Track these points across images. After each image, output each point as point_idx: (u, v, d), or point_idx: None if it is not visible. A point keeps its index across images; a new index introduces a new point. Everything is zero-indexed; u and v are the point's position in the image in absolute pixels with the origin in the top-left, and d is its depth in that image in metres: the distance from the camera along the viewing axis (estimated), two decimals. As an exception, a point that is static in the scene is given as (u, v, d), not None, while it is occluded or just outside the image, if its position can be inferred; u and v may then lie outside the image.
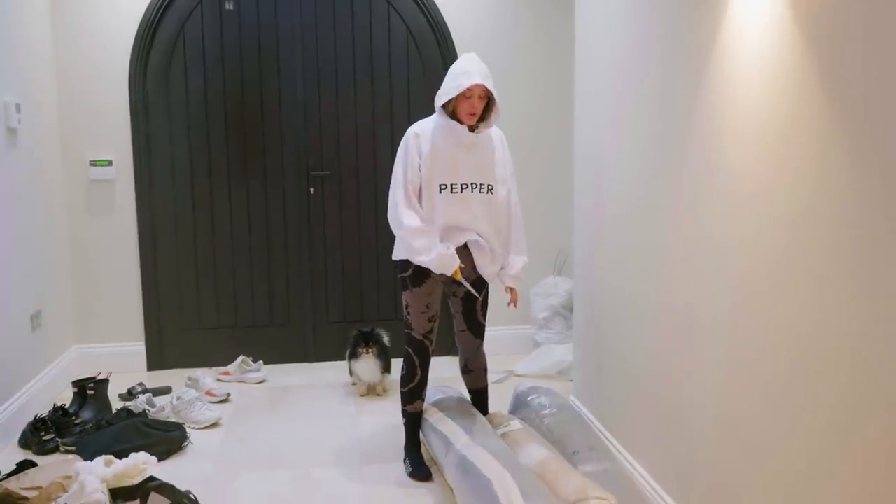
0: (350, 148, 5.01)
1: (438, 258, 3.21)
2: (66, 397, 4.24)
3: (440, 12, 4.94)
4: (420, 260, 3.24)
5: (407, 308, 3.42)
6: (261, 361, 4.81)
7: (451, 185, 3.24)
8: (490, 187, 3.30)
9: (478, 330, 3.55)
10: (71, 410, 3.97)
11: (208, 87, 4.87)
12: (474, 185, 3.26)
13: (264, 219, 5.01)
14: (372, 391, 4.46)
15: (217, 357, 4.92)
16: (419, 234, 3.23)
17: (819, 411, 1.91)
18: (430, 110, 4.88)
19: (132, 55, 4.74)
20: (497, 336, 5.00)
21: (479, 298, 3.47)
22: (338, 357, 4.96)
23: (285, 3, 4.87)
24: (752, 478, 2.24)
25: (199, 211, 4.95)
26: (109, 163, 4.79)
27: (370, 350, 4.37)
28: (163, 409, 4.03)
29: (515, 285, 3.50)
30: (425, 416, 3.55)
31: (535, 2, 5.03)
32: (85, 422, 3.87)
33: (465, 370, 3.64)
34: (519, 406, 3.71)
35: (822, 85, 1.86)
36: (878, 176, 1.67)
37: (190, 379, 4.44)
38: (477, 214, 3.29)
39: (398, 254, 3.39)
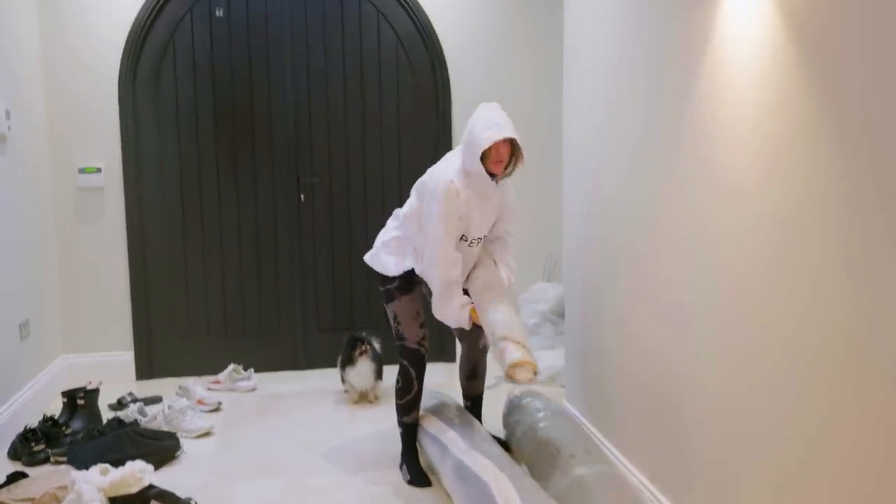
0: (340, 155, 5.01)
1: (461, 310, 3.22)
2: (55, 407, 4.20)
3: (427, 17, 4.95)
4: (440, 313, 3.24)
5: (396, 319, 3.40)
6: (251, 370, 4.78)
7: (470, 239, 3.25)
8: (483, 238, 3.32)
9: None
10: (61, 421, 3.93)
11: (198, 93, 4.85)
12: (481, 240, 3.30)
13: (255, 226, 4.99)
14: (364, 398, 4.45)
15: (207, 365, 4.89)
16: (455, 287, 3.21)
17: (812, 408, 1.93)
18: (419, 117, 4.94)
19: (122, 61, 4.72)
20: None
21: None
22: (329, 364, 4.94)
23: (275, 11, 4.87)
24: (747, 477, 2.25)
25: (188, 218, 4.93)
26: (98, 170, 4.76)
27: (365, 351, 4.35)
28: (154, 418, 4.00)
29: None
30: (421, 422, 3.55)
31: (524, 4, 5.05)
32: (75, 432, 3.83)
33: (472, 375, 3.65)
34: (513, 410, 3.69)
35: (811, 86, 1.88)
36: (869, 175, 1.70)
37: (181, 388, 4.41)
38: (469, 264, 3.32)
39: (387, 269, 3.35)
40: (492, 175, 3.16)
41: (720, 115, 2.33)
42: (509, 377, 3.04)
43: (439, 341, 5.03)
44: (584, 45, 3.63)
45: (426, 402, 3.70)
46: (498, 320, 3.12)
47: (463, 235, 3.21)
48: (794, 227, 1.98)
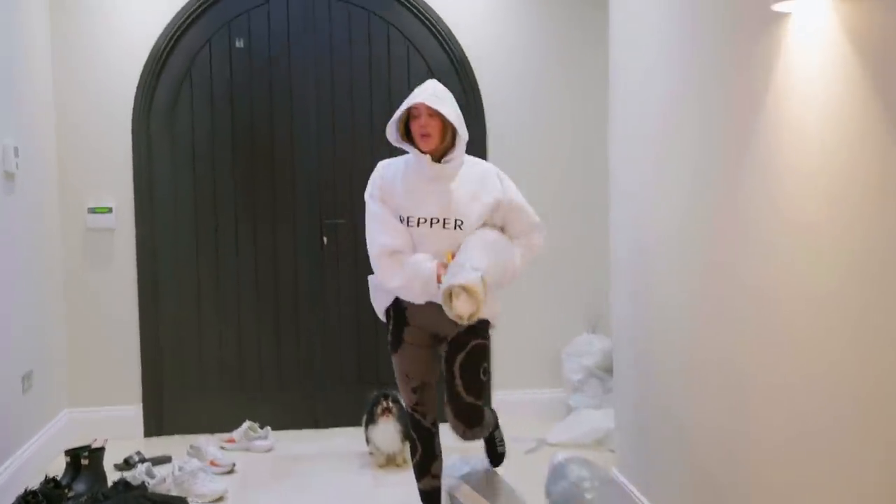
0: (367, 195, 4.77)
1: (413, 269, 2.94)
2: (58, 467, 3.95)
3: (462, 48, 4.74)
4: (394, 286, 3.01)
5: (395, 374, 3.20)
6: (268, 427, 4.51)
7: (408, 218, 3.02)
8: (458, 223, 2.99)
9: (472, 389, 3.06)
10: (63, 482, 3.69)
11: (216, 127, 4.68)
12: (435, 220, 2.99)
13: (273, 271, 4.76)
14: (391, 461, 4.13)
15: (221, 422, 4.61)
16: (397, 255, 3.00)
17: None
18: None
19: (136, 94, 4.58)
20: (525, 400, 4.78)
21: (469, 346, 3.04)
22: (352, 423, 4.61)
23: (298, 41, 4.70)
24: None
25: (203, 263, 4.71)
26: (109, 210, 4.58)
27: (389, 410, 4.06)
28: (163, 480, 3.78)
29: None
30: (453, 492, 3.28)
31: (564, 35, 4.85)
32: (79, 495, 3.60)
33: (465, 435, 3.17)
34: (556, 479, 3.40)
35: (884, 121, 1.75)
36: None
37: (192, 447, 4.15)
38: (441, 250, 2.99)
39: (377, 304, 3.21)
40: (430, 155, 3.02)
41: (787, 150, 2.16)
42: (445, 302, 2.80)
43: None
44: (631, 79, 3.43)
45: (459, 468, 3.48)
46: (466, 249, 2.95)
47: (403, 216, 3.01)
48: (884, 287, 1.75)
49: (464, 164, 3.10)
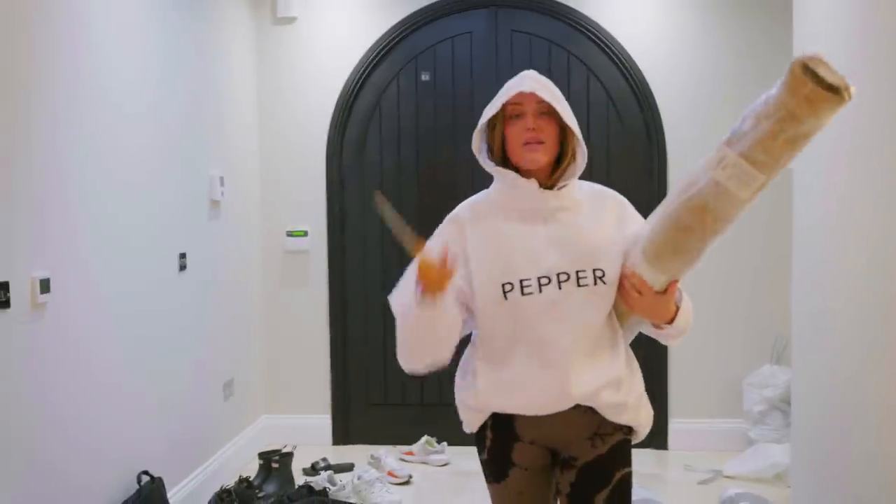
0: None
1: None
2: (252, 468, 4.23)
3: (643, 75, 4.65)
4: (405, 325, 2.15)
5: None
6: (445, 443, 4.60)
7: (508, 284, 1.95)
8: (599, 274, 1.95)
9: None
10: (255, 483, 3.95)
11: (402, 160, 4.85)
12: (563, 277, 1.94)
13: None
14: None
15: (401, 435, 4.76)
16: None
17: None
18: (631, 180, 4.60)
19: (330, 129, 4.82)
20: (703, 430, 4.62)
21: (614, 479, 2.02)
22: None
23: (481, 73, 4.79)
24: None
25: (389, 286, 4.84)
26: (304, 234, 4.86)
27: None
28: (343, 487, 3.96)
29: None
30: None
31: (745, 52, 4.59)
32: (268, 496, 3.85)
33: None
34: None
35: None
36: None
37: (372, 457, 4.34)
38: (576, 322, 1.95)
39: (465, 413, 2.15)
40: (547, 186, 2.01)
41: None
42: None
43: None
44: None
45: None
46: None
47: (511, 282, 1.94)
48: None
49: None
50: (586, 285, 1.94)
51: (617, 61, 4.68)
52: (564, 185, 2.03)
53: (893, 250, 2.50)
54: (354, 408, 4.93)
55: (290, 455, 4.12)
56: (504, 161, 2.04)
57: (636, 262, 1.92)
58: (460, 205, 2.15)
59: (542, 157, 1.98)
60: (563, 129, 1.99)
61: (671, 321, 1.96)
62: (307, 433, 4.81)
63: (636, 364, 2.09)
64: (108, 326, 3.16)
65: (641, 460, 4.10)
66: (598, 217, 2.03)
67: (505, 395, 2.02)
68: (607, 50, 4.68)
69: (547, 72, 4.71)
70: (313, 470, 4.33)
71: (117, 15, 3.29)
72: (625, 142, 4.68)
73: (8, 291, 2.52)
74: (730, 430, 4.58)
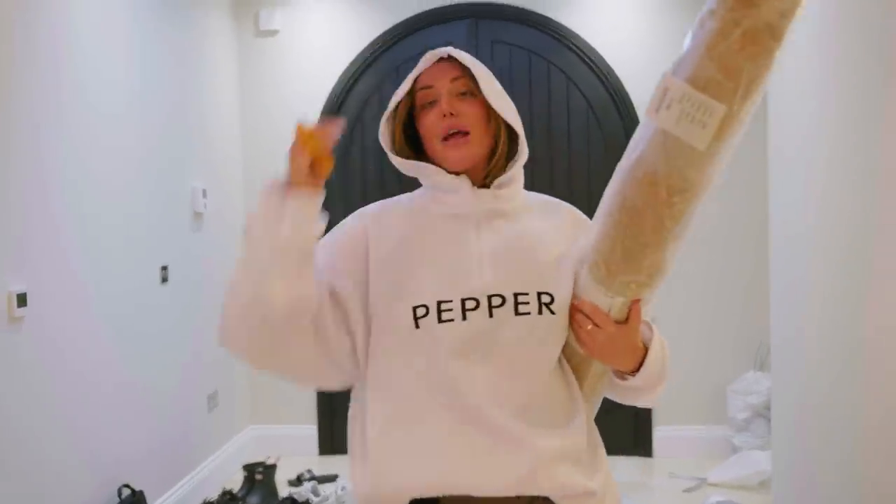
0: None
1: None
2: (237, 480, 4.22)
3: (622, 83, 4.68)
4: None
5: None
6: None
7: (441, 304, 1.44)
8: (544, 300, 1.46)
9: None
10: (239, 495, 3.95)
11: (385, 170, 4.84)
12: (497, 301, 1.44)
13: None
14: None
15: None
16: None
17: None
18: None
19: (313, 141, 4.82)
20: (687, 436, 4.61)
21: None
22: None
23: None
24: None
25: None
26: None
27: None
28: (326, 499, 3.97)
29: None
30: None
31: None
32: None
33: None
34: None
35: None
36: None
37: (357, 468, 4.30)
38: (513, 364, 1.44)
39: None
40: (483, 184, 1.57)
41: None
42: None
43: (634, 429, 4.61)
44: (795, 101, 3.23)
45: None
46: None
47: (425, 304, 1.43)
48: None
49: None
50: (527, 313, 1.43)
51: (596, 70, 4.70)
52: (505, 185, 1.54)
53: (869, 258, 2.51)
54: (340, 416, 4.88)
55: (273, 467, 4.09)
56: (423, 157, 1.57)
57: (585, 284, 1.47)
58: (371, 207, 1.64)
59: (469, 152, 1.51)
60: (495, 116, 1.53)
61: (639, 367, 1.50)
62: (295, 443, 4.81)
63: (598, 436, 1.57)
64: (88, 339, 3.16)
65: (626, 468, 4.13)
66: (547, 228, 1.55)
67: (420, 466, 1.40)
68: (586, 59, 4.70)
69: (527, 81, 4.79)
70: (298, 481, 4.31)
71: (98, 23, 3.28)
72: (605, 148, 4.70)
73: (-19, 306, 2.52)
74: (714, 437, 4.59)
